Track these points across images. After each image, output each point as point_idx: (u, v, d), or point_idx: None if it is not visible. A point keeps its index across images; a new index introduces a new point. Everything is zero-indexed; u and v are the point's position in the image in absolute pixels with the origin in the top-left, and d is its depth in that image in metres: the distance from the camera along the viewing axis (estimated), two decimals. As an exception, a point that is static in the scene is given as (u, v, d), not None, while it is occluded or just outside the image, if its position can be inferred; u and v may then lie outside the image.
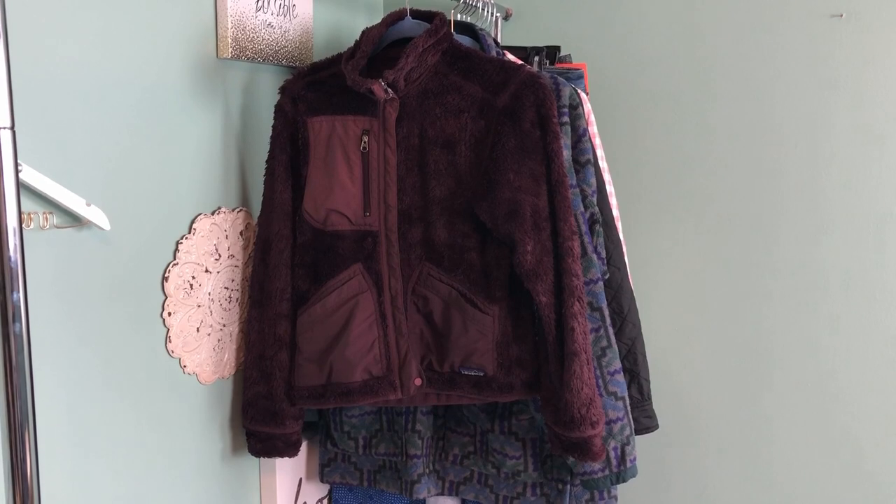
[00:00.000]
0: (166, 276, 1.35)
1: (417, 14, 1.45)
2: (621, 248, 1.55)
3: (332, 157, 1.42)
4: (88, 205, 1.17)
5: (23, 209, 1.01)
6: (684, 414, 1.82)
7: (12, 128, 0.96)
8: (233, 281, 1.50)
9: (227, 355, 1.51)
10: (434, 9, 1.45)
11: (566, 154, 1.44)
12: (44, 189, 1.10)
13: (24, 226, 1.08)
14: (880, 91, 1.61)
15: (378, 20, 1.46)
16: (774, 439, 1.76)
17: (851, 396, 1.69)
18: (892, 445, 1.66)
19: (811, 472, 1.74)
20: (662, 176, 1.79)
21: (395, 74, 1.35)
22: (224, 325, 1.49)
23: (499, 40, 1.77)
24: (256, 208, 1.53)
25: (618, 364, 1.46)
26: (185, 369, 1.41)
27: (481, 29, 1.55)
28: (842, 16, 1.61)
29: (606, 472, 1.45)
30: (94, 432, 1.25)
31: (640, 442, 1.73)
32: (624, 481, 1.46)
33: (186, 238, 1.39)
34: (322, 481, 1.71)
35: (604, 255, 1.49)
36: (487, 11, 1.70)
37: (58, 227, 1.16)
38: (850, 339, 1.68)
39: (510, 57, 1.53)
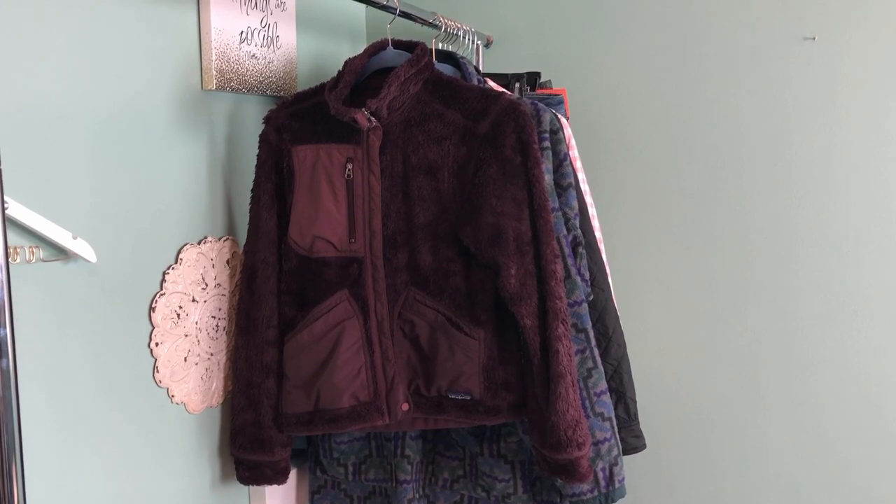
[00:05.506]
0: (153, 306, 1.36)
1: (399, 44, 1.47)
2: (605, 270, 1.57)
3: (317, 184, 1.44)
4: (75, 238, 1.18)
5: (9, 243, 1.01)
6: (671, 433, 1.83)
7: (-2, 165, 0.97)
8: (220, 310, 1.51)
9: (215, 384, 1.51)
10: (416, 38, 1.48)
11: (548, 178, 1.46)
12: (31, 224, 1.11)
13: (10, 260, 1.09)
14: (853, 112, 1.64)
15: (361, 50, 1.48)
16: (763, 455, 1.77)
17: (839, 409, 1.71)
18: (881, 459, 1.68)
19: (800, 487, 1.75)
20: (644, 198, 1.81)
21: (377, 103, 1.37)
22: (212, 354, 1.49)
23: (480, 68, 1.79)
24: (243, 237, 1.54)
25: (604, 385, 1.47)
26: (174, 399, 1.41)
27: (462, 57, 1.57)
28: (814, 39, 1.65)
29: (595, 493, 1.46)
30: (82, 464, 1.25)
31: (628, 462, 1.73)
32: (613, 502, 1.47)
33: (173, 268, 1.40)
34: (312, 508, 1.70)
35: (587, 276, 1.50)
36: (468, 39, 1.73)
37: (44, 261, 1.16)
38: (834, 353, 1.70)
39: (491, 84, 1.55)
